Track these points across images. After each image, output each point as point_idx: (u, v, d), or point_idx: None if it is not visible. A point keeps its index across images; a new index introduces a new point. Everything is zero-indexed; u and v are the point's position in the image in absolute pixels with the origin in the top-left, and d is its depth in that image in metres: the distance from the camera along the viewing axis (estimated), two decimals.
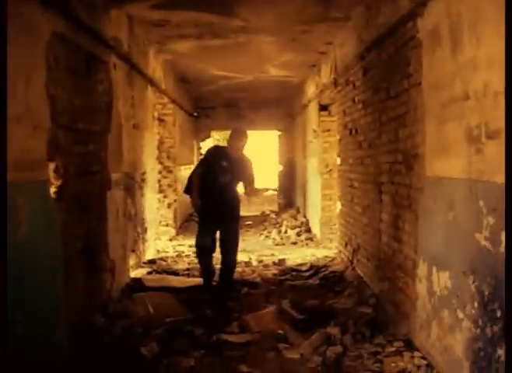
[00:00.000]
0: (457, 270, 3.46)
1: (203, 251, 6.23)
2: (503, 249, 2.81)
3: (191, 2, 5.95)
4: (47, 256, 3.81)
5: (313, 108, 10.62)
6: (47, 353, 3.77)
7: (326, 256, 8.32)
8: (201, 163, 6.38)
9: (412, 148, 4.38)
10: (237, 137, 6.19)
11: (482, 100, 3.05)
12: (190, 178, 6.33)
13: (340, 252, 8.02)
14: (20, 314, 3.30)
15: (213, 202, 6.04)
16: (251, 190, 6.41)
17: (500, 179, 2.80)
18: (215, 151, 6.33)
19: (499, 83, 2.82)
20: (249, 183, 6.33)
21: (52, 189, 3.88)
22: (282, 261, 7.92)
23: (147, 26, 6.88)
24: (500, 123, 2.80)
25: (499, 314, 2.88)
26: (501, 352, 2.85)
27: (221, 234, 6.24)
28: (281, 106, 15.27)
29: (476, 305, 3.16)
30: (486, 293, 3.04)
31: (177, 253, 8.90)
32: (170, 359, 4.19)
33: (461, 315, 3.39)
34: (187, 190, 6.29)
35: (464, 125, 3.30)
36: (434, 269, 3.88)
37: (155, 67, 8.33)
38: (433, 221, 3.91)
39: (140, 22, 6.67)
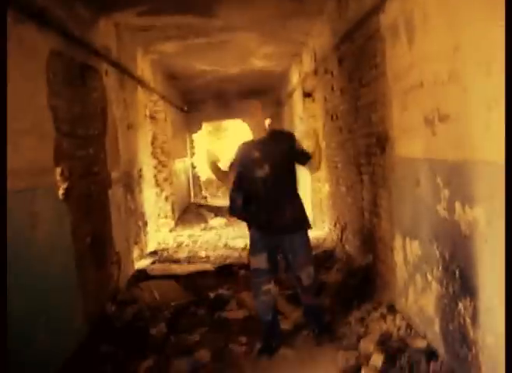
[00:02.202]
0: (424, 239, 3.92)
1: (259, 277, 4.37)
2: (457, 217, 3.26)
3: (173, 7, 6.35)
4: (62, 254, 4.28)
5: (298, 95, 11.02)
6: (68, 337, 4.24)
7: (318, 236, 8.78)
8: (233, 167, 4.56)
9: (383, 131, 4.81)
10: (251, 113, 4.50)
11: (433, 88, 3.49)
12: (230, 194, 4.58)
13: (330, 231, 8.48)
14: (43, 303, 3.77)
15: (261, 209, 4.30)
16: (315, 162, 4.51)
17: (451, 156, 3.26)
18: (243, 145, 4.60)
19: (445, 73, 3.26)
20: (303, 157, 4.50)
21: (60, 192, 4.31)
22: None
23: (133, 32, 7.28)
24: (448, 108, 3.26)
25: (457, 273, 3.34)
26: (461, 305, 3.31)
27: (284, 253, 4.41)
28: (268, 94, 15.63)
29: (440, 267, 3.62)
30: (447, 256, 3.50)
31: (177, 244, 9.37)
32: (177, 336, 4.68)
33: (430, 278, 3.85)
34: (232, 210, 4.53)
35: (422, 110, 3.73)
36: (407, 239, 4.34)
37: (143, 67, 8.72)
38: (404, 196, 4.36)
39: (127, 29, 7.07)
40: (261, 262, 4.33)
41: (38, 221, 3.81)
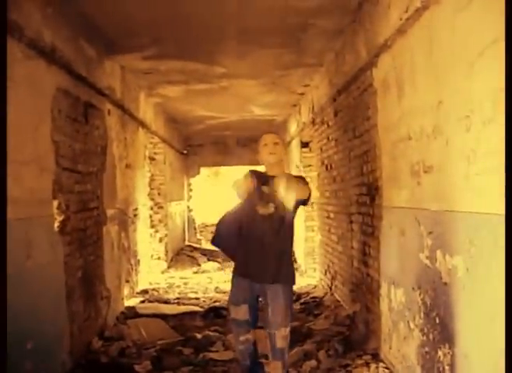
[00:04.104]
0: (408, 287, 4.01)
1: (237, 327, 3.95)
2: (438, 265, 3.37)
3: (177, 53, 6.64)
4: (53, 285, 4.35)
5: (295, 145, 11.25)
6: (53, 367, 4.27)
7: (308, 284, 8.83)
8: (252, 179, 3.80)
9: (373, 181, 4.96)
10: (266, 145, 3.93)
11: (420, 141, 3.66)
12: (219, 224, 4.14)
13: (321, 279, 8.54)
14: (31, 333, 3.82)
15: (251, 249, 3.83)
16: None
17: (433, 206, 3.40)
18: (256, 173, 3.91)
19: (430, 127, 3.43)
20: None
21: (56, 224, 4.42)
22: None
23: (138, 74, 7.55)
24: (432, 160, 3.41)
25: (437, 320, 3.42)
26: (440, 353, 3.38)
27: (263, 303, 3.91)
28: None
29: (422, 315, 3.70)
30: (428, 304, 3.58)
31: (168, 284, 9.39)
32: None
33: (412, 326, 3.93)
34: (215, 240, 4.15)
35: (408, 162, 3.89)
36: (392, 287, 4.42)
37: (145, 110, 8.96)
38: (390, 245, 4.47)
39: (131, 71, 7.34)
40: (240, 313, 3.90)
41: (32, 249, 3.90)
